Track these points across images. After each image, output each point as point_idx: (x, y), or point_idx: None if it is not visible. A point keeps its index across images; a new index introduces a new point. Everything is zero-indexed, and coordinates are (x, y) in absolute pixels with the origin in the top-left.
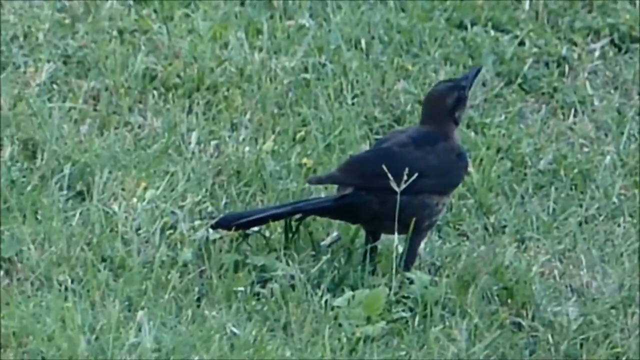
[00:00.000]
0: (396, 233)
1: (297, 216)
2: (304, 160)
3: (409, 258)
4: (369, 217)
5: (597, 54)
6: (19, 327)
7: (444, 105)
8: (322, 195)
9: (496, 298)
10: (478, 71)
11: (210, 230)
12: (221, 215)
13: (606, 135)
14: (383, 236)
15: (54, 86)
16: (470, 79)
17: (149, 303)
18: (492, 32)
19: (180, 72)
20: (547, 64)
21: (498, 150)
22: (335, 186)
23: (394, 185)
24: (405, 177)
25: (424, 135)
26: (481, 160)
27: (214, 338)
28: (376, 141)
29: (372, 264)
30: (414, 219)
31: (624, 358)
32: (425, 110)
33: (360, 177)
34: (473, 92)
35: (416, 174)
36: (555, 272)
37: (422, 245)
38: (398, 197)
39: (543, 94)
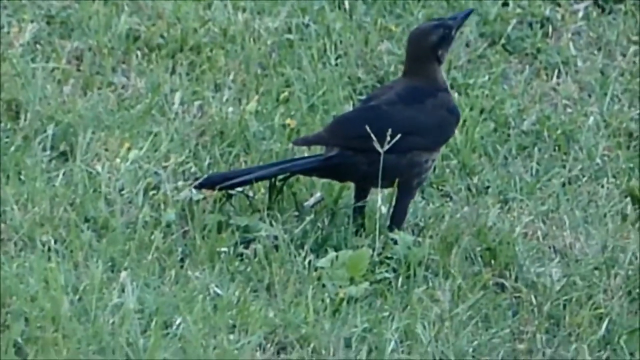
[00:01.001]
0: (380, 194)
1: (282, 176)
2: (288, 120)
3: (399, 218)
4: (358, 177)
5: (580, 14)
6: (2, 287)
7: (428, 42)
8: (306, 155)
9: (479, 259)
10: (469, 13)
11: (194, 191)
12: (205, 176)
13: (590, 96)
14: (368, 196)
15: (38, 46)
16: (459, 19)
17: (132, 264)
18: None
19: (163, 33)
20: (530, 25)
21: (481, 111)
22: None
23: (377, 146)
24: (388, 138)
25: (412, 91)
26: (465, 121)
27: (197, 299)
28: (364, 98)
29: (357, 224)
30: (402, 179)
31: (607, 319)
32: (408, 48)
33: (347, 137)
34: (456, 52)
35: (399, 135)
36: (539, 233)
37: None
38: (382, 157)
39: (526, 54)
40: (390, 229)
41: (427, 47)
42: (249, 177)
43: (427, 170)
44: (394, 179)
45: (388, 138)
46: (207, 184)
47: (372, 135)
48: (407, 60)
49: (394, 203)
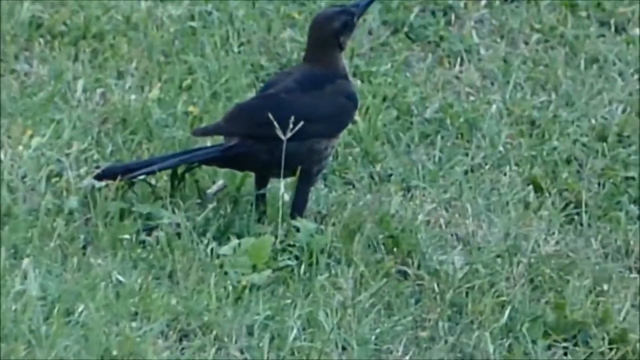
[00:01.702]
0: (282, 181)
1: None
2: (190, 108)
3: (300, 205)
4: (258, 166)
5: (483, 2)
6: None
7: (330, 28)
8: (208, 143)
9: (382, 247)
10: (371, 1)
11: (95, 180)
12: (105, 166)
13: (492, 84)
14: (269, 184)
15: None
16: (362, 6)
17: (34, 251)
18: None
19: (66, 20)
20: (433, 13)
21: (384, 99)
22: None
23: (279, 133)
24: (291, 125)
25: (310, 77)
26: (367, 108)
27: (100, 286)
28: (262, 86)
29: (259, 212)
30: (303, 166)
31: (509, 307)
32: (311, 34)
33: (247, 126)
34: (359, 40)
35: (301, 122)
36: (441, 220)
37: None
38: (284, 145)
39: (429, 42)
40: (292, 216)
41: (329, 34)
42: (150, 170)
43: (327, 157)
44: (295, 167)
45: (291, 125)
46: (108, 175)
47: (275, 123)
48: (309, 46)
49: (294, 191)
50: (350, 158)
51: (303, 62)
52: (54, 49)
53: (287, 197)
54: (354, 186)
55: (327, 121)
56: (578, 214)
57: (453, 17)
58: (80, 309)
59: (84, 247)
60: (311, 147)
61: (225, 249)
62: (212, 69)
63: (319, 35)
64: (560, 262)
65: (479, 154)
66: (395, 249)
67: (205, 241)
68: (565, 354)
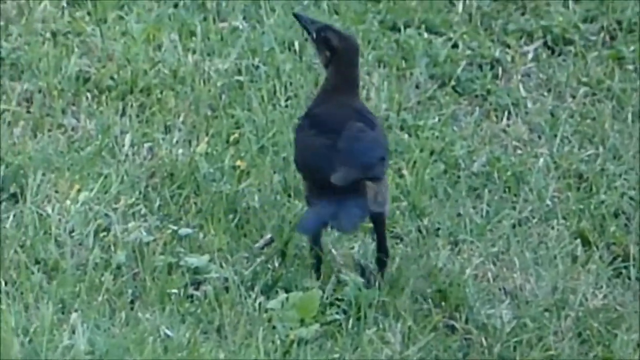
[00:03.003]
0: (330, 236)
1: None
2: (238, 162)
3: (387, 247)
4: None
5: (530, 56)
6: None
7: (358, 56)
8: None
9: (430, 300)
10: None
11: (144, 233)
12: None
13: (539, 137)
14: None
15: None
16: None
17: (82, 305)
18: (426, 35)
19: (113, 75)
20: (480, 67)
21: (431, 153)
22: None
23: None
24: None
25: (362, 112)
26: (415, 162)
27: (148, 340)
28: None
29: (316, 260)
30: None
31: None
32: (354, 60)
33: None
34: (406, 94)
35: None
36: (489, 274)
37: (355, 247)
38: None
39: (476, 96)
40: (384, 262)
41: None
42: None
43: None
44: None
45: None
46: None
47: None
48: (344, 71)
49: (379, 236)
50: (397, 212)
51: (333, 91)
52: (101, 104)
53: (334, 251)
54: (401, 240)
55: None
56: (626, 267)
57: (500, 71)
58: None
59: (132, 302)
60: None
61: (273, 303)
62: (259, 123)
63: (353, 63)
64: (608, 315)
65: (527, 208)
66: (443, 303)
67: (253, 295)
68: None
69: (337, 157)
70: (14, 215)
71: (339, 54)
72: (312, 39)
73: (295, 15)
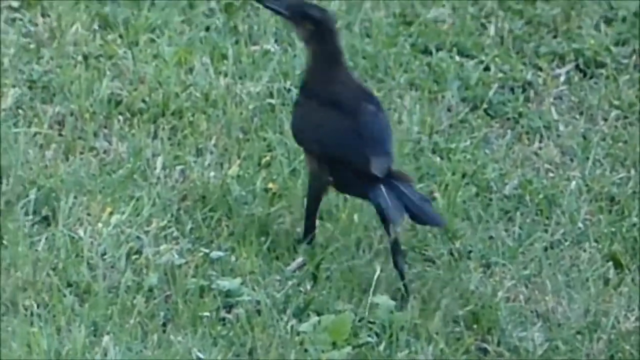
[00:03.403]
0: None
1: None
2: (270, 185)
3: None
4: None
5: (562, 79)
6: None
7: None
8: None
9: (462, 323)
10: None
11: (176, 255)
12: None
13: (572, 160)
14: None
15: (20, 111)
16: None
17: (114, 328)
18: (457, 58)
19: (145, 97)
20: (512, 89)
21: (463, 176)
22: None
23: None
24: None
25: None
26: (447, 185)
27: None
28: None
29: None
30: None
31: None
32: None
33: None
34: (438, 117)
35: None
36: (521, 297)
37: (378, 269)
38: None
39: (508, 119)
40: (401, 263)
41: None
42: None
43: None
44: None
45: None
46: None
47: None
48: (337, 48)
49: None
50: (429, 235)
51: (325, 63)
52: (133, 127)
53: (379, 270)
54: (433, 262)
55: None
56: None
57: (532, 94)
58: None
59: (164, 324)
60: None
61: (305, 326)
62: (291, 145)
63: (337, 29)
64: None
65: (559, 230)
66: (475, 325)
67: (285, 318)
68: None
69: (363, 144)
70: (46, 238)
71: (323, 25)
72: (287, 17)
73: (260, 2)
